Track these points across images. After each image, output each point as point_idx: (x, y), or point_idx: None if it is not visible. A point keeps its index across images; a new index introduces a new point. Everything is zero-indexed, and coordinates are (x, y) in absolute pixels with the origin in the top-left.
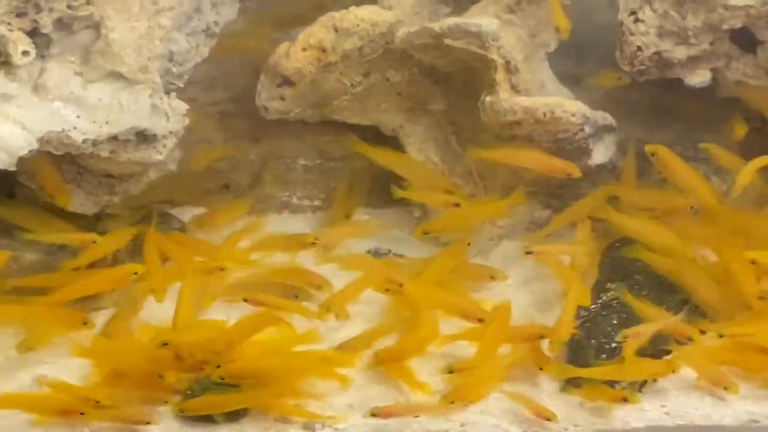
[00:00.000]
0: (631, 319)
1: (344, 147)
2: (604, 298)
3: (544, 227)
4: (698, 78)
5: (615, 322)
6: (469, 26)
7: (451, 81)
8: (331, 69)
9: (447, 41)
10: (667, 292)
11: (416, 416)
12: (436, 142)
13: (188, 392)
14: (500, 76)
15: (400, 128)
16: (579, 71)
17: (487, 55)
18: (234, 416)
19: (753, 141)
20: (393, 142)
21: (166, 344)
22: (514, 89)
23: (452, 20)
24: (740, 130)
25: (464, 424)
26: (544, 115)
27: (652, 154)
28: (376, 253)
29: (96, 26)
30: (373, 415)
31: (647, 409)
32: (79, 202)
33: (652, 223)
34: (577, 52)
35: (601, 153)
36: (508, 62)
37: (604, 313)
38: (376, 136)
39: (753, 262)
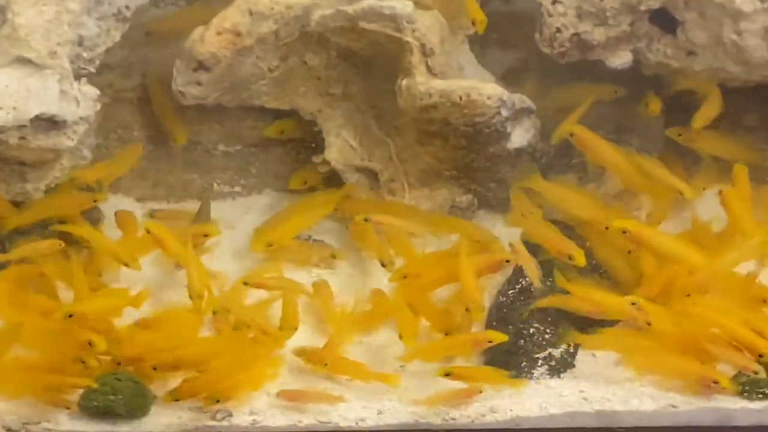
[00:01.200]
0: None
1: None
2: (522, 283)
3: (465, 211)
4: (619, 60)
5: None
6: (383, 8)
7: (370, 64)
8: (247, 53)
9: (362, 24)
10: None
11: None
12: (355, 127)
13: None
14: (416, 58)
15: (318, 113)
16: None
17: (402, 37)
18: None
19: None
20: (312, 126)
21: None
22: (430, 72)
23: (366, 2)
24: (655, 106)
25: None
26: (460, 98)
27: (571, 135)
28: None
29: (2, 10)
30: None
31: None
32: None
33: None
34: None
35: (519, 136)
36: (423, 45)
37: (521, 298)
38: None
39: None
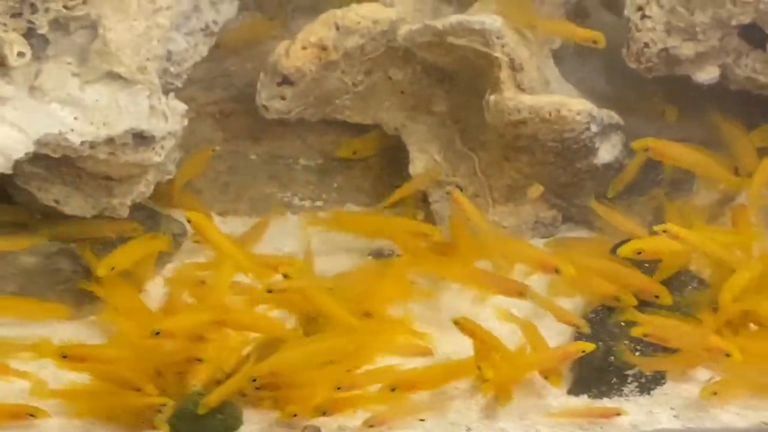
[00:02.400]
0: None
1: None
2: None
3: (549, 227)
4: (706, 75)
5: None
6: (473, 23)
7: (455, 79)
8: (332, 67)
9: (450, 39)
10: None
11: None
12: (439, 142)
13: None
14: (504, 74)
15: (402, 127)
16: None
17: (490, 53)
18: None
19: None
20: (395, 141)
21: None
22: (519, 87)
23: (455, 17)
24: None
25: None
26: (550, 114)
27: (646, 149)
28: (378, 254)
29: (93, 26)
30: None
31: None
32: (78, 205)
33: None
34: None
35: (607, 152)
36: (512, 60)
37: (611, 315)
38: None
39: None
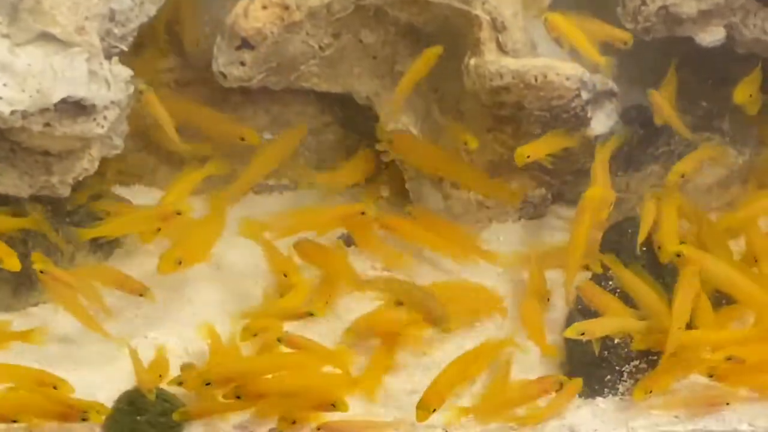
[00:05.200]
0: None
1: (314, 118)
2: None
3: (538, 207)
4: (711, 36)
5: None
6: None
7: (432, 42)
8: (295, 29)
9: None
10: None
11: None
12: (415, 112)
13: None
14: (485, 34)
15: (375, 96)
16: None
17: (470, 10)
18: None
19: None
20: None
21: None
22: (502, 50)
23: None
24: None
25: None
26: (536, 79)
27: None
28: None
29: None
30: None
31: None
32: (12, 183)
33: None
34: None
35: (600, 122)
36: (494, 19)
37: None
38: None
39: None
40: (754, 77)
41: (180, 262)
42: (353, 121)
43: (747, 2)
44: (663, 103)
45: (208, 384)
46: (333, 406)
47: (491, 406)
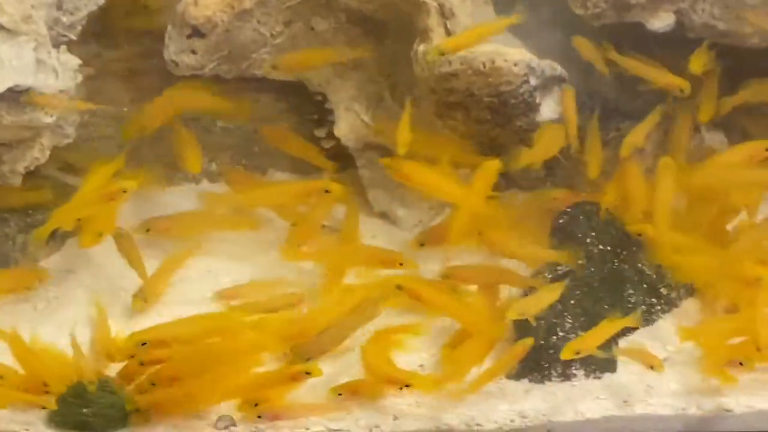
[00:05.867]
0: (589, 296)
1: (269, 106)
2: (557, 271)
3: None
4: (660, 21)
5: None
6: None
7: (383, 29)
8: (246, 17)
9: None
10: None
11: None
12: (367, 99)
13: None
14: (433, 21)
15: (327, 84)
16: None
17: None
18: None
19: None
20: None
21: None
22: (450, 36)
23: None
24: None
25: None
26: (484, 65)
27: None
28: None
29: None
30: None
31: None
32: None
33: None
34: None
35: (550, 108)
36: (442, 5)
37: None
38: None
39: None
40: (705, 48)
41: (101, 234)
42: (307, 109)
43: None
44: (586, 43)
45: (144, 344)
46: (308, 374)
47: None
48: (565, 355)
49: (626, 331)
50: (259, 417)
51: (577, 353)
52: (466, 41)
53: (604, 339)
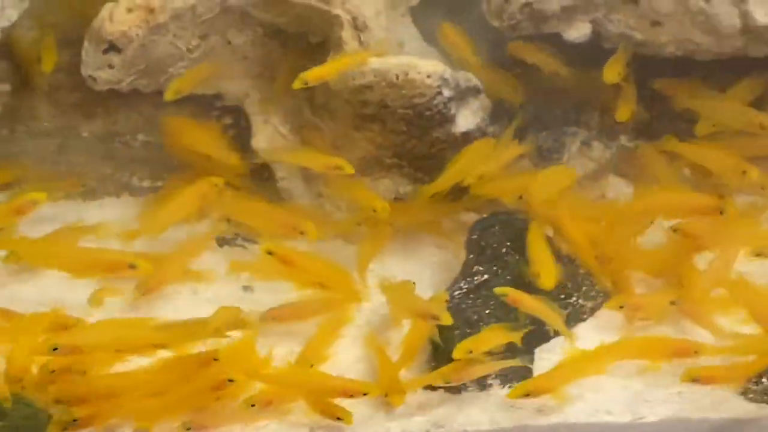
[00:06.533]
0: (503, 306)
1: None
2: (473, 282)
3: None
4: (577, 32)
5: (483, 308)
6: None
7: (300, 42)
8: (161, 31)
9: None
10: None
11: None
12: (285, 112)
13: None
14: (347, 34)
15: (245, 97)
16: None
17: (330, 10)
18: None
19: None
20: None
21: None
22: (364, 49)
23: None
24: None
25: None
26: (397, 77)
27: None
28: (222, 241)
29: None
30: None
31: None
32: None
33: None
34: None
35: (466, 119)
36: (355, 18)
37: (470, 298)
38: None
39: None
40: (619, 56)
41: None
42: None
43: None
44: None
45: (55, 349)
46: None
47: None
48: (457, 354)
49: (542, 340)
50: (188, 429)
51: (470, 352)
52: (328, 71)
53: (500, 340)
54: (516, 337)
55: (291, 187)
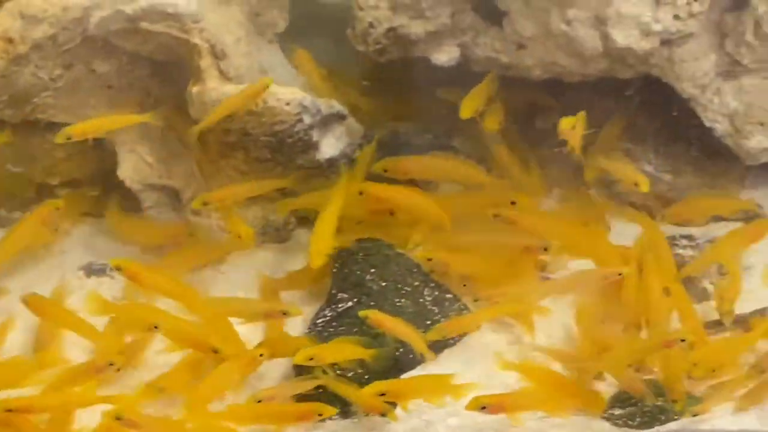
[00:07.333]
0: (367, 333)
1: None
2: (337, 309)
3: (281, 231)
4: (445, 55)
5: (347, 334)
6: (165, 7)
7: (165, 70)
8: (23, 62)
9: (144, 25)
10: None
11: None
12: (151, 140)
13: None
14: (205, 62)
15: None
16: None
17: (189, 39)
18: None
19: None
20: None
21: None
22: (224, 77)
23: (146, 1)
24: None
25: None
26: (257, 104)
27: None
28: (89, 269)
29: None
30: None
31: None
32: None
33: None
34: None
35: (330, 146)
36: (213, 46)
37: (332, 325)
38: None
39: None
40: (480, 89)
41: None
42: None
43: (475, 22)
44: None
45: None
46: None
47: None
48: (298, 360)
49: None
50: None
51: (310, 359)
52: (92, 128)
53: (347, 355)
54: (367, 354)
55: (160, 215)
